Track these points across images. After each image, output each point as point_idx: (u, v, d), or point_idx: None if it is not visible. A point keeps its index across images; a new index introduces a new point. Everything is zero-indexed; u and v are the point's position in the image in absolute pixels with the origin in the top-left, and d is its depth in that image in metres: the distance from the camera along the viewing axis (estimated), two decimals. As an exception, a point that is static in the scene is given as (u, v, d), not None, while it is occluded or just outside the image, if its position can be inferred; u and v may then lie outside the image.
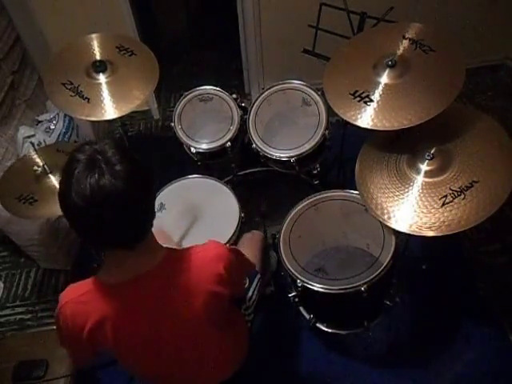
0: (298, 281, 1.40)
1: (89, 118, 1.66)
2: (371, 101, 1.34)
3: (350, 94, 1.37)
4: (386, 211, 1.32)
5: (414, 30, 1.42)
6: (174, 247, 1.34)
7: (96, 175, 0.80)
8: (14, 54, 2.36)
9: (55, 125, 2.30)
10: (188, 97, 1.93)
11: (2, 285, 2.18)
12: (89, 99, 1.65)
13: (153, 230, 0.96)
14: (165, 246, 1.03)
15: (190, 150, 1.90)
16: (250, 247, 1.54)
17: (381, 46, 1.44)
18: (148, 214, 0.92)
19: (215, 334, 1.11)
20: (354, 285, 1.34)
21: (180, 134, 1.90)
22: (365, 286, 1.33)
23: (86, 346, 0.97)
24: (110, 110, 1.64)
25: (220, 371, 1.20)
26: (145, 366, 1.08)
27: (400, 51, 1.39)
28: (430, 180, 1.31)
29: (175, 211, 1.70)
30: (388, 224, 1.31)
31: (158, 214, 1.58)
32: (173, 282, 0.97)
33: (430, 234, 1.24)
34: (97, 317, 0.93)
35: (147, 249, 0.95)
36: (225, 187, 1.76)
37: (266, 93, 1.87)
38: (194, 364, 1.13)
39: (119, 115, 1.64)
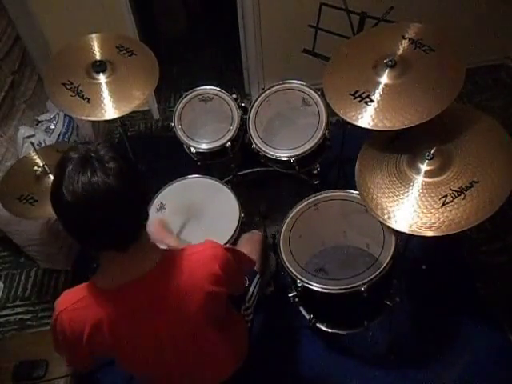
0: (298, 281, 1.40)
1: (89, 118, 1.66)
2: (372, 101, 1.34)
3: (350, 94, 1.37)
4: (386, 211, 1.32)
5: (413, 29, 1.42)
6: (173, 245, 1.34)
7: (88, 173, 0.80)
8: (14, 54, 2.36)
9: (55, 125, 2.30)
10: (188, 97, 1.93)
11: (2, 285, 2.18)
12: (89, 99, 1.65)
13: (153, 220, 0.95)
14: (165, 242, 1.02)
15: (189, 149, 1.90)
16: (249, 247, 1.54)
17: (381, 46, 1.44)
18: (140, 213, 0.92)
19: (214, 334, 1.11)
20: (354, 285, 1.34)
21: (180, 134, 1.90)
22: (365, 286, 1.33)
23: (85, 351, 0.97)
24: (109, 110, 1.64)
25: (220, 371, 1.21)
26: (144, 369, 1.08)
27: (400, 51, 1.39)
28: (430, 180, 1.31)
29: (175, 211, 1.70)
30: (388, 224, 1.30)
31: (157, 214, 1.58)
32: (169, 284, 0.97)
33: (430, 234, 1.23)
34: (94, 322, 0.93)
35: (141, 251, 0.95)
36: (225, 187, 1.76)
37: (266, 93, 1.87)
38: (194, 364, 1.13)
39: (119, 115, 1.64)
